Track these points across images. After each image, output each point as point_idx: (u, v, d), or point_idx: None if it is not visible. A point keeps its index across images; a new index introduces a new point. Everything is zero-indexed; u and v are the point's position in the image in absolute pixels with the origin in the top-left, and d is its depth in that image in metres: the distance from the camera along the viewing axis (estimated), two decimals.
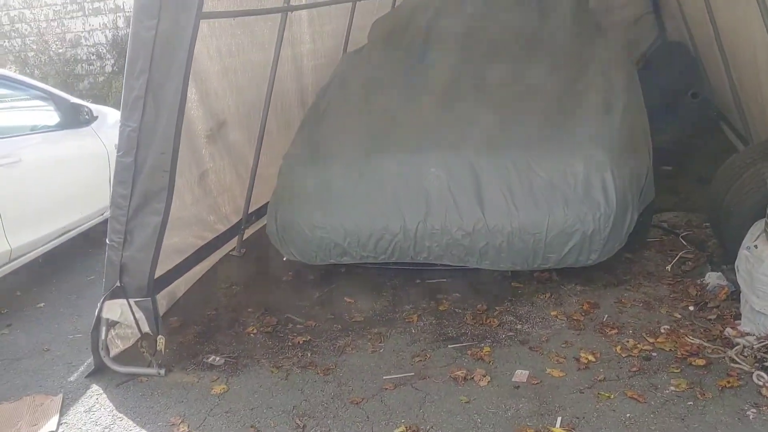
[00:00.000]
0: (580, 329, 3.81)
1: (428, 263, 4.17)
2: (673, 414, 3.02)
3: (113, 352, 3.85)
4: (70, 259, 5.50)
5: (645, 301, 4.05)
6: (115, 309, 3.74)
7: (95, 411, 3.49)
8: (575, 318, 3.93)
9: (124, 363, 3.80)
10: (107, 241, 3.68)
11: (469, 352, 3.68)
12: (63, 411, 3.50)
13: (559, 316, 3.97)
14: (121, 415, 3.43)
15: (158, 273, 3.84)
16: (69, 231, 5.29)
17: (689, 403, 3.08)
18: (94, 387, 3.70)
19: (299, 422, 3.22)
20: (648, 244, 4.75)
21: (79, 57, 10.25)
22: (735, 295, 3.85)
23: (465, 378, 3.44)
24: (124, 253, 3.65)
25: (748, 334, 3.50)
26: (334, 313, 4.28)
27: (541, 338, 3.76)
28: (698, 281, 4.16)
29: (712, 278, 4.10)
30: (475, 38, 5.27)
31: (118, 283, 3.70)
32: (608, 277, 4.36)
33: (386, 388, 3.43)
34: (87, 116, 5.63)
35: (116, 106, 7.14)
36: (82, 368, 3.91)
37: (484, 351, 3.67)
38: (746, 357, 3.34)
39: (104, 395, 3.62)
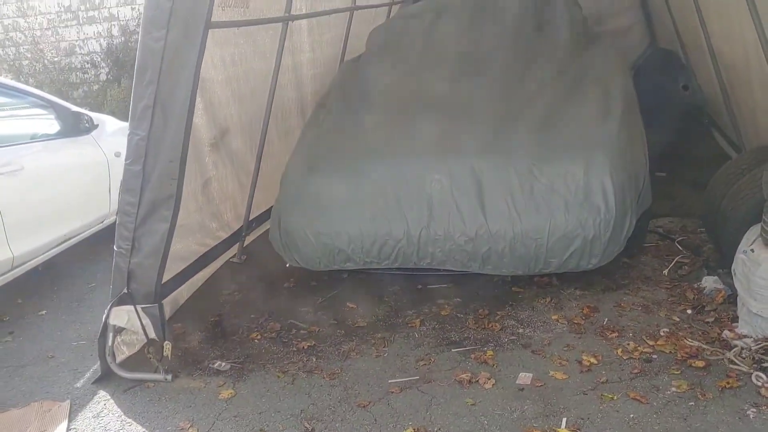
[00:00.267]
0: (581, 333, 3.88)
1: (431, 268, 4.22)
2: (676, 414, 3.09)
3: (119, 358, 3.87)
4: (69, 266, 5.52)
5: (644, 304, 4.13)
6: (122, 315, 3.77)
7: (104, 416, 3.52)
8: (576, 322, 3.99)
9: (130, 369, 3.84)
10: (115, 248, 3.72)
11: (472, 355, 3.74)
12: (71, 417, 3.53)
13: (559, 320, 4.04)
14: (130, 420, 3.46)
15: (164, 280, 3.88)
16: (70, 239, 5.30)
17: (691, 403, 3.15)
18: (101, 393, 3.73)
19: (308, 425, 3.26)
20: (645, 249, 4.83)
21: (73, 65, 10.26)
22: (732, 298, 3.93)
23: (470, 381, 3.49)
24: (132, 259, 3.69)
25: (745, 336, 3.58)
26: (337, 319, 4.33)
27: (543, 342, 3.83)
28: (695, 285, 4.25)
29: (709, 282, 4.19)
30: (473, 47, 5.36)
31: (125, 290, 3.74)
32: (607, 281, 4.43)
33: (392, 392, 3.48)
34: (87, 124, 5.65)
35: (111, 114, 7.24)
36: (88, 374, 3.94)
37: (487, 354, 3.73)
38: (744, 358, 3.42)
39: (112, 401, 3.65)
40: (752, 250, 3.63)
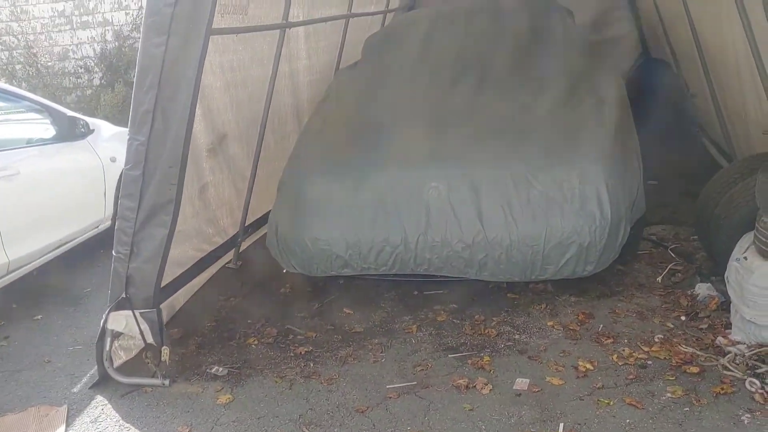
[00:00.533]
0: (577, 339, 3.92)
1: (428, 275, 4.25)
2: (671, 419, 3.12)
3: (116, 363, 3.88)
4: (64, 271, 5.50)
5: (638, 311, 4.17)
6: (120, 320, 3.78)
7: (101, 421, 3.52)
8: (571, 328, 4.03)
9: (128, 374, 3.84)
10: (113, 252, 3.73)
11: (469, 361, 3.77)
12: (69, 422, 3.53)
13: (555, 326, 4.07)
14: (128, 425, 3.46)
15: (161, 285, 3.89)
16: (65, 243, 5.30)
17: (686, 409, 3.19)
18: (99, 398, 3.73)
19: (306, 430, 3.28)
20: (638, 257, 4.88)
21: (67, 70, 10.24)
22: (725, 305, 3.98)
23: (467, 386, 3.52)
24: (131, 264, 3.71)
25: (739, 342, 3.63)
26: (333, 324, 4.35)
27: (539, 348, 3.86)
28: (688, 292, 4.29)
29: (702, 289, 4.23)
30: (468, 55, 5.40)
31: (123, 295, 3.74)
32: (601, 288, 4.47)
33: (390, 397, 3.50)
34: (83, 129, 5.65)
35: (105, 119, 7.24)
36: (85, 379, 3.93)
37: (484, 360, 3.76)
38: (738, 365, 3.46)
39: (109, 406, 3.64)
40: (745, 258, 3.68)
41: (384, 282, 4.68)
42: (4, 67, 10.09)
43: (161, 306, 3.97)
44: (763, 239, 3.52)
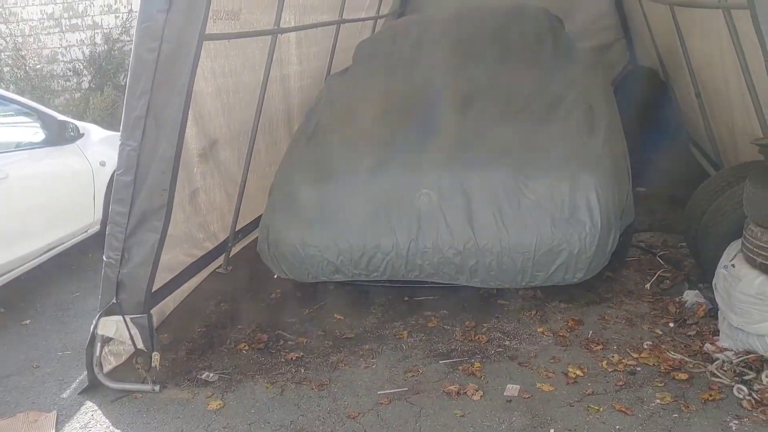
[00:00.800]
0: (567, 345, 3.94)
1: (419, 281, 4.27)
2: (660, 426, 3.15)
3: (106, 368, 3.87)
4: (53, 275, 5.48)
5: (627, 318, 4.20)
6: (111, 325, 3.77)
7: (91, 427, 3.50)
8: (561, 334, 4.06)
9: (118, 380, 3.82)
10: (104, 258, 3.72)
11: (460, 367, 3.78)
12: (58, 428, 3.52)
13: (545, 333, 4.10)
14: (118, 431, 3.45)
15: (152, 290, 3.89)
16: (54, 248, 5.28)
17: (674, 415, 3.22)
18: (88, 404, 3.71)
19: None
20: (627, 263, 4.92)
21: (55, 73, 10.19)
22: (713, 312, 4.02)
23: (458, 392, 3.53)
24: (122, 270, 3.70)
25: (726, 349, 3.66)
26: (324, 330, 4.35)
27: (529, 354, 3.88)
28: (677, 299, 4.33)
29: (690, 296, 4.27)
30: (458, 62, 5.42)
31: (114, 300, 3.73)
32: (590, 294, 4.50)
33: (381, 403, 3.51)
34: (73, 133, 5.64)
35: (94, 122, 7.21)
36: (74, 385, 3.92)
37: (474, 366, 3.77)
38: (726, 371, 3.49)
39: (99, 412, 3.63)
40: (733, 265, 3.73)
41: (375, 288, 4.68)
42: None
43: (151, 311, 3.96)
44: (751, 247, 3.56)
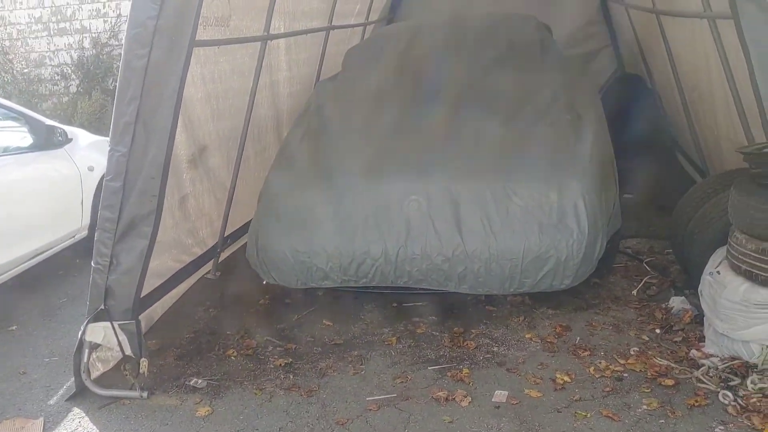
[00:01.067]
0: (554, 351, 3.97)
1: (408, 287, 4.28)
2: (647, 431, 3.18)
3: (93, 375, 3.85)
4: (40, 281, 5.45)
5: (614, 324, 4.23)
6: (99, 332, 3.75)
7: None
8: (549, 340, 4.08)
9: (105, 386, 3.81)
10: (92, 264, 3.70)
11: (448, 373, 3.80)
12: None
13: (533, 339, 4.12)
14: None
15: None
16: (41, 253, 5.24)
17: (661, 421, 3.25)
18: (76, 410, 3.69)
19: None
20: (614, 270, 4.96)
21: (43, 77, 10.14)
22: (699, 318, 4.05)
23: (446, 399, 3.55)
24: (110, 276, 3.69)
25: (712, 355, 3.70)
26: (313, 336, 4.36)
27: (517, 360, 3.90)
28: (663, 305, 4.37)
29: (676, 302, 4.32)
30: (447, 69, 5.44)
31: (102, 306, 3.72)
32: (578, 301, 4.53)
33: (370, 409, 3.51)
34: (60, 138, 5.62)
35: (81, 127, 7.18)
36: (61, 391, 3.89)
37: (463, 372, 3.79)
38: (711, 377, 3.53)
39: (86, 418, 3.61)
40: (718, 272, 3.77)
41: (363, 294, 4.69)
42: None
43: (140, 317, 3.95)
44: (736, 254, 3.60)
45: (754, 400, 3.30)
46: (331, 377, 3.86)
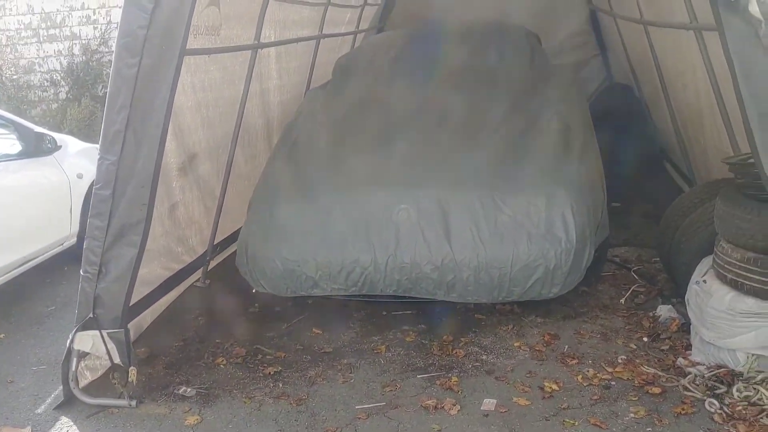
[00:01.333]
0: (543, 359, 3.99)
1: (397, 296, 4.29)
2: None
3: (82, 383, 3.83)
4: (28, 289, 5.43)
5: (602, 332, 4.26)
6: (87, 340, 3.73)
7: None
8: (537, 349, 4.10)
9: (94, 395, 3.80)
10: (81, 272, 3.69)
11: (437, 382, 3.81)
12: None
13: (522, 347, 4.14)
14: None
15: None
16: (29, 260, 5.23)
17: (648, 429, 3.27)
18: (64, 419, 3.68)
19: None
20: (602, 278, 4.99)
21: (32, 83, 10.12)
22: (686, 326, 4.09)
23: (435, 407, 3.56)
24: (99, 284, 3.67)
25: (699, 363, 3.73)
26: (303, 344, 4.36)
27: (506, 368, 3.92)
28: (651, 314, 4.41)
29: (664, 311, 4.35)
30: (436, 78, 5.47)
31: (90, 315, 3.71)
32: (566, 309, 4.56)
33: (359, 418, 3.52)
34: (50, 145, 5.60)
35: (71, 133, 7.17)
36: (49, 400, 3.87)
37: (452, 381, 3.80)
38: (698, 385, 3.56)
39: (75, 427, 3.60)
40: (704, 281, 3.80)
41: (353, 302, 4.70)
42: None
43: (129, 325, 3.94)
44: (721, 263, 3.64)
45: (740, 408, 3.33)
46: (321, 385, 3.86)
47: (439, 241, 4.11)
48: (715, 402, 3.39)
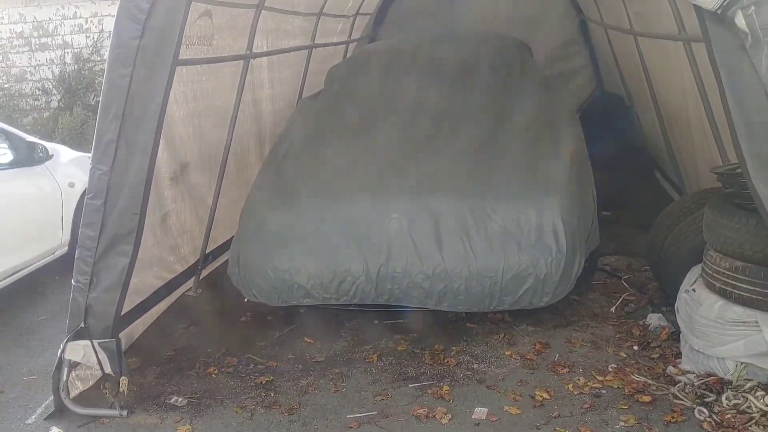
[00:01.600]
0: (534, 368, 4.00)
1: (389, 305, 4.31)
2: None
3: (73, 393, 3.82)
4: (19, 298, 5.41)
5: (592, 341, 4.28)
6: (78, 350, 3.73)
7: None
8: (528, 357, 4.12)
9: (85, 405, 3.78)
10: (73, 282, 3.69)
11: (429, 390, 3.82)
12: None
13: (513, 356, 4.15)
14: None
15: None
16: (21, 270, 5.22)
17: None
18: (54, 429, 3.66)
19: None
20: (593, 287, 5.01)
21: (24, 92, 10.11)
22: (675, 335, 4.11)
23: (427, 416, 3.56)
24: (90, 294, 3.67)
25: (688, 372, 3.75)
26: (294, 354, 4.36)
27: (497, 377, 3.93)
28: (641, 322, 4.43)
29: (654, 319, 4.37)
30: (428, 88, 5.51)
31: (82, 324, 3.70)
32: (557, 318, 4.58)
33: (351, 427, 3.52)
34: (41, 154, 5.60)
35: (62, 142, 7.16)
36: (39, 410, 3.86)
37: (443, 390, 3.81)
38: (688, 393, 3.58)
39: None
40: (694, 290, 3.83)
41: (344, 311, 4.70)
42: None
43: (120, 335, 3.94)
44: (710, 272, 3.67)
45: (729, 416, 3.34)
46: (312, 395, 3.86)
47: (430, 251, 4.12)
48: (705, 410, 3.41)
